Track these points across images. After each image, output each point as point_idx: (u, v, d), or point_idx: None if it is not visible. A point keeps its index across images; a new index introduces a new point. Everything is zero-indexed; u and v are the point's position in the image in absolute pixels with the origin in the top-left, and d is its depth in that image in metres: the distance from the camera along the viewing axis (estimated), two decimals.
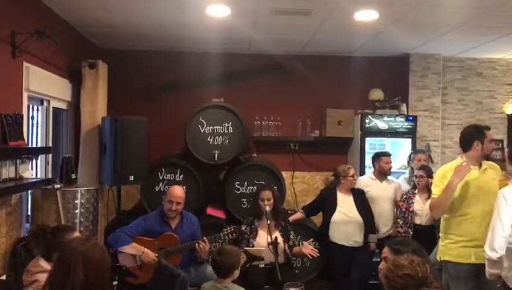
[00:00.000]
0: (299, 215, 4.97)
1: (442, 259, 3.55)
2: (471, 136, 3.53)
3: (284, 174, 5.71)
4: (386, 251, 2.54)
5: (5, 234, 3.54)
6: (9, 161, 3.39)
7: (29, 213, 4.07)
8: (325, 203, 4.82)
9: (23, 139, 3.62)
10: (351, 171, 4.84)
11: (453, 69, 6.47)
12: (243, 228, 4.39)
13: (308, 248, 4.24)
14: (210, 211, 5.25)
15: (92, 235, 4.11)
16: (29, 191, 3.98)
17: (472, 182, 3.46)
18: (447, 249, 3.53)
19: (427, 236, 4.42)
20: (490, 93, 6.54)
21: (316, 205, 4.95)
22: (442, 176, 3.55)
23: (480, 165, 3.53)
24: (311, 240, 4.38)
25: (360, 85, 6.14)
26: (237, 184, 5.29)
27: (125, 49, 5.91)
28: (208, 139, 5.21)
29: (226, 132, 5.24)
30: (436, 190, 3.58)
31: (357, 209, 4.72)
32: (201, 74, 5.97)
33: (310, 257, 4.27)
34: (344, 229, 4.66)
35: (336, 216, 4.67)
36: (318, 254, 4.27)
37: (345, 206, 4.72)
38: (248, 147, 5.62)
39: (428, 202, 4.62)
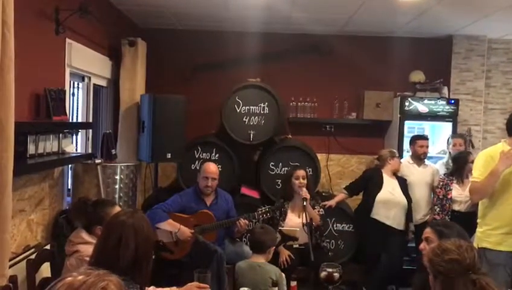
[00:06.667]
0: (342, 196, 4.95)
1: (480, 246, 3.42)
2: None
3: (319, 156, 5.65)
4: (428, 232, 2.46)
5: (48, 206, 3.65)
6: (53, 135, 3.47)
7: (69, 187, 4.18)
8: (369, 182, 4.80)
9: (66, 115, 3.70)
10: (397, 154, 4.91)
11: (499, 51, 6.19)
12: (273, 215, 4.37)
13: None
14: (244, 190, 5.27)
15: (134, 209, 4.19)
16: (71, 166, 4.08)
17: None
18: (486, 236, 3.42)
19: (465, 223, 4.26)
20: None
21: (359, 184, 4.93)
22: (484, 160, 3.43)
23: None
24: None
25: (400, 67, 5.96)
26: (272, 165, 5.28)
27: (164, 27, 5.93)
28: (244, 119, 5.21)
29: (261, 112, 5.23)
30: (476, 174, 3.45)
31: (402, 192, 4.70)
32: (239, 54, 5.93)
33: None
34: (388, 209, 4.65)
35: (382, 194, 4.65)
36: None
37: (391, 187, 4.69)
38: (283, 128, 5.59)
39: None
